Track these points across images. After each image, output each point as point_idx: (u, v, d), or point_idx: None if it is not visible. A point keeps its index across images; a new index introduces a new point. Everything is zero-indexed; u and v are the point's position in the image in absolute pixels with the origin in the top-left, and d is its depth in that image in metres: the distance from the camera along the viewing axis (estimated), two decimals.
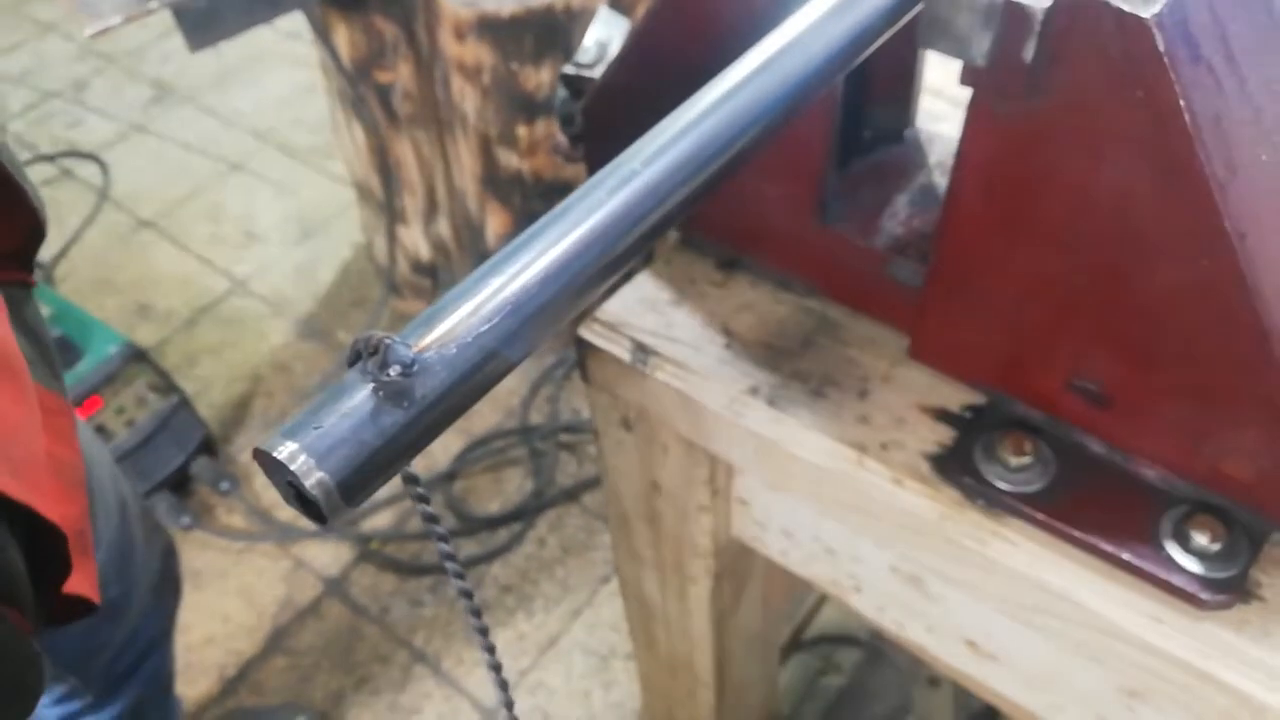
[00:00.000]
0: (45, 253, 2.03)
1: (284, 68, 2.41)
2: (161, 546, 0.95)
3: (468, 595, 0.31)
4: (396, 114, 1.48)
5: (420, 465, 1.66)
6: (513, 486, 1.62)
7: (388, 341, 0.26)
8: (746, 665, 0.89)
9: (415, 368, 0.26)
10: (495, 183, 1.48)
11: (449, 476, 1.64)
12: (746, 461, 0.59)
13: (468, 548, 1.56)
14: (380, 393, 0.25)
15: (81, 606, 0.54)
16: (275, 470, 0.25)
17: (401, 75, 1.42)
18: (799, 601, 1.31)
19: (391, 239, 1.70)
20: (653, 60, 0.54)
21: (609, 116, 0.60)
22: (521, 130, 1.41)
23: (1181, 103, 0.37)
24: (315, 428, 0.25)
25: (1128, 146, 0.39)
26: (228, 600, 1.54)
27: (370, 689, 1.42)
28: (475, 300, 0.27)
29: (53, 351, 0.64)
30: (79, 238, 2.09)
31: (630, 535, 0.76)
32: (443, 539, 0.30)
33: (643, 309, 0.61)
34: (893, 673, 1.35)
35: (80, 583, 0.52)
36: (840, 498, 0.55)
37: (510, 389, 1.73)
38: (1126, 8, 0.37)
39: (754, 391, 0.56)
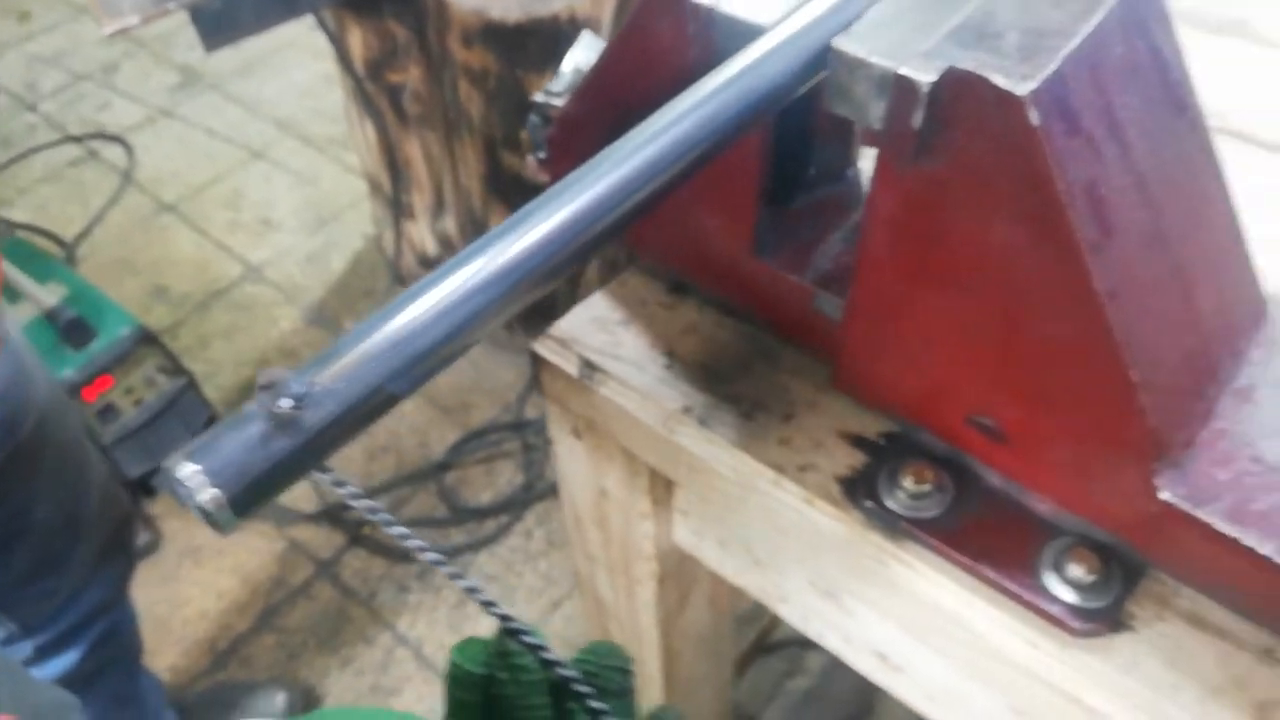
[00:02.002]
0: (68, 231, 2.09)
1: (308, 59, 2.46)
2: (117, 514, 1.00)
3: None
4: (406, 114, 1.53)
5: (417, 455, 1.71)
6: (504, 479, 1.67)
7: (281, 377, 0.30)
8: (696, 665, 0.93)
9: (305, 401, 0.30)
10: (498, 183, 1.53)
11: (443, 467, 1.69)
12: (679, 476, 0.62)
13: (456, 537, 1.61)
14: (272, 422, 0.29)
15: None
16: (178, 485, 0.29)
17: (412, 77, 1.47)
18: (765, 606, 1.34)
19: (398, 233, 1.74)
20: (607, 96, 0.58)
21: (569, 146, 0.63)
22: (524, 134, 1.45)
23: (1054, 173, 0.41)
24: (213, 451, 0.29)
25: (1008, 209, 0.43)
26: (223, 577, 1.60)
27: (354, 669, 1.47)
28: (368, 341, 0.31)
29: None
30: (102, 218, 2.15)
31: (584, 536, 0.80)
32: (357, 498, 0.33)
33: (593, 327, 0.65)
34: (857, 676, 1.38)
35: None
36: (762, 515, 0.58)
37: (508, 384, 1.78)
38: (1004, 85, 0.40)
39: (687, 411, 0.60)
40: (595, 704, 0.32)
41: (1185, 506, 0.45)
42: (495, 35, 1.32)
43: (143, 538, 1.61)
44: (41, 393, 0.87)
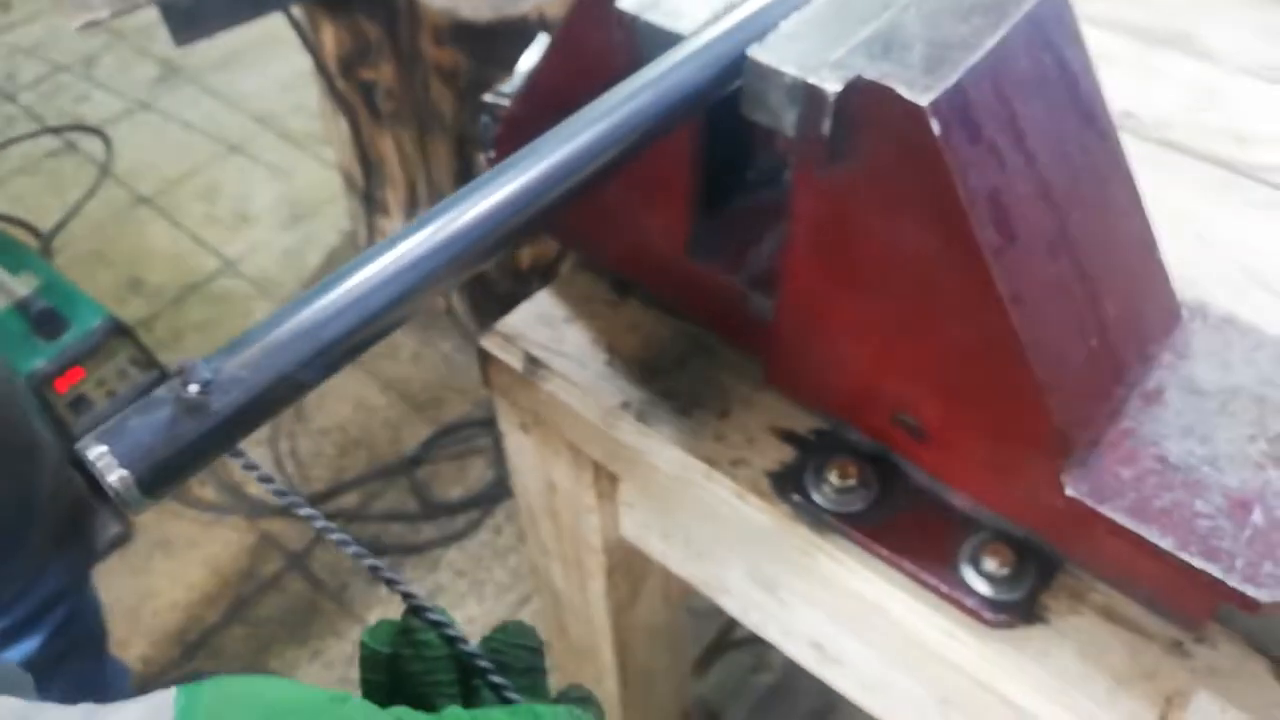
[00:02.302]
0: (45, 222, 2.10)
1: (289, 53, 2.46)
2: (71, 497, 1.01)
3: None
4: (379, 111, 1.54)
5: (389, 450, 1.72)
6: (474, 475, 1.68)
7: (191, 363, 0.31)
8: (652, 658, 0.94)
9: (212, 387, 0.31)
10: (471, 180, 1.54)
11: (414, 462, 1.70)
12: (620, 470, 0.64)
13: (427, 532, 1.62)
14: (180, 406, 0.31)
15: None
16: (89, 467, 0.30)
17: (384, 74, 1.48)
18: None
19: (371, 229, 1.75)
20: (545, 99, 0.60)
21: (514, 146, 0.65)
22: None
23: (955, 180, 0.42)
24: (122, 434, 0.30)
25: (915, 214, 0.45)
26: (194, 569, 1.60)
27: (323, 661, 1.48)
28: (276, 330, 0.33)
29: None
30: (79, 210, 2.15)
31: (537, 529, 0.82)
32: (266, 480, 0.35)
33: (538, 324, 0.66)
34: None
35: None
36: (698, 508, 0.60)
37: (480, 380, 1.78)
38: (907, 95, 0.42)
39: (626, 406, 0.61)
40: (495, 679, 0.34)
41: (1090, 502, 0.47)
42: (466, 34, 1.33)
43: (114, 529, 1.61)
44: None
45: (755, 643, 1.44)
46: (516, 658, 0.36)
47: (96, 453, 0.30)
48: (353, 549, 0.34)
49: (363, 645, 0.36)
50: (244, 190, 2.19)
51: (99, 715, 0.27)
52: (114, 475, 0.30)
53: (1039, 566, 0.52)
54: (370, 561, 0.34)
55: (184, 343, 1.90)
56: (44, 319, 1.56)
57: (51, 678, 1.03)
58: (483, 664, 0.34)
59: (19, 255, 1.73)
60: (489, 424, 1.73)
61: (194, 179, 2.22)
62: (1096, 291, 0.48)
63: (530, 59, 0.72)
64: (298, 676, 1.47)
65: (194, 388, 0.31)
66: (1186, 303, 0.55)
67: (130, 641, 1.49)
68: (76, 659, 1.08)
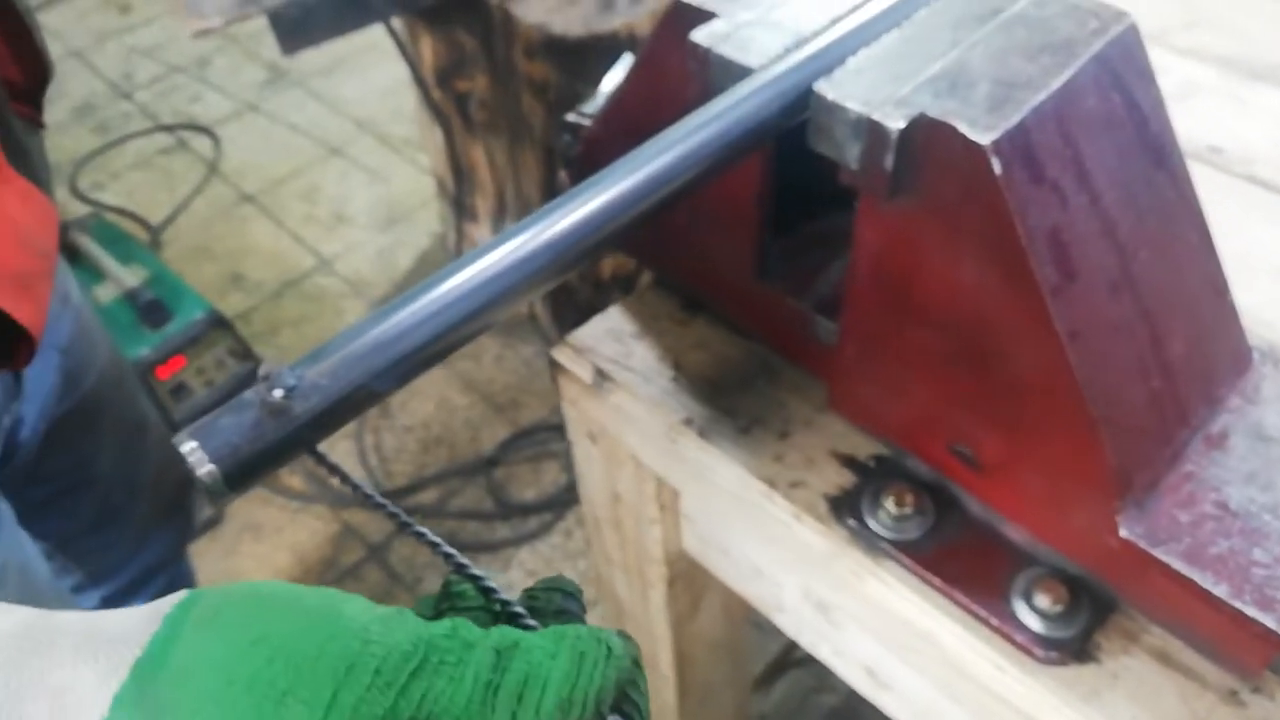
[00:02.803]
0: (155, 216, 2.20)
1: (391, 60, 2.53)
2: (175, 478, 1.07)
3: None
4: (473, 120, 1.58)
5: (469, 449, 1.77)
6: (549, 479, 1.71)
7: (277, 370, 0.34)
8: (711, 670, 0.95)
9: (294, 393, 0.34)
10: (557, 193, 1.57)
11: (492, 462, 1.74)
12: (681, 484, 0.65)
13: (501, 531, 1.66)
14: (264, 409, 0.33)
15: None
16: (183, 459, 0.33)
17: (479, 85, 1.52)
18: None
19: (460, 234, 1.80)
20: (622, 124, 0.62)
21: (592, 166, 0.67)
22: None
23: (1015, 219, 0.43)
24: (212, 431, 0.33)
25: (976, 249, 0.45)
26: (280, 554, 1.67)
27: None
28: (355, 342, 0.35)
29: (49, 187, 0.74)
30: (187, 206, 2.25)
31: (601, 537, 0.84)
32: (345, 480, 0.36)
33: (608, 338, 0.68)
34: None
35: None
36: (755, 526, 0.61)
37: None
38: (969, 134, 0.42)
39: (689, 422, 0.63)
40: (527, 621, 0.34)
41: (1144, 545, 0.47)
42: (557, 49, 1.36)
43: (207, 511, 1.69)
44: (103, 354, 0.94)
45: (818, 663, 1.43)
46: (549, 600, 0.36)
47: (189, 448, 0.32)
48: (403, 518, 0.35)
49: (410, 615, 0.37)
50: (343, 192, 2.27)
51: (109, 615, 0.29)
52: (203, 469, 0.32)
53: (1093, 604, 0.52)
54: (404, 519, 0.35)
55: (279, 336, 1.98)
56: (150, 309, 1.64)
57: None
58: (515, 608, 0.35)
59: (129, 248, 1.82)
60: (564, 429, 1.76)
61: (296, 179, 2.31)
62: (1160, 332, 0.48)
63: (612, 80, 0.75)
64: None
65: (278, 392, 0.33)
66: (1259, 346, 0.54)
67: None
68: None
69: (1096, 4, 0.48)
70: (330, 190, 2.28)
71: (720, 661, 0.97)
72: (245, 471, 0.33)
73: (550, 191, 1.57)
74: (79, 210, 2.23)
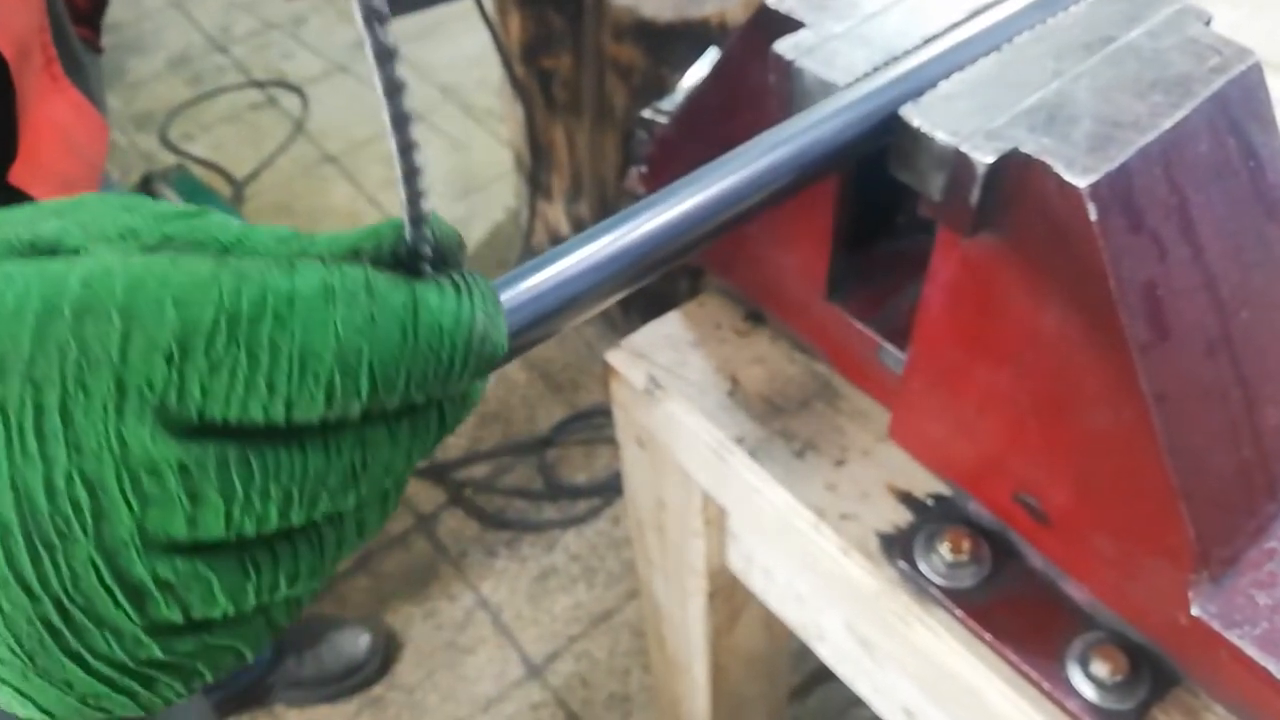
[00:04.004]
0: (240, 171, 2.23)
1: (481, 29, 2.53)
2: None
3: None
4: (555, 99, 1.57)
5: (524, 427, 1.76)
6: (600, 464, 1.70)
7: None
8: (745, 683, 0.93)
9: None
10: (625, 185, 1.55)
11: (546, 442, 1.73)
12: (727, 501, 0.63)
13: (549, 512, 1.66)
14: None
15: None
16: None
17: (563, 65, 1.50)
18: None
19: (533, 212, 1.79)
20: (697, 129, 0.59)
21: (664, 167, 0.65)
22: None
23: (1108, 269, 0.40)
24: None
25: (1062, 297, 0.42)
26: None
27: (435, 623, 1.54)
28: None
29: (104, 107, 0.75)
30: (271, 162, 2.28)
31: (644, 541, 0.82)
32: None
33: (665, 344, 0.66)
34: None
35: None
36: (801, 555, 0.59)
37: None
38: (1066, 175, 0.39)
39: (740, 441, 0.60)
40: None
41: (1216, 625, 0.43)
42: (645, 33, 1.34)
43: None
44: None
45: None
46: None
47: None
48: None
49: None
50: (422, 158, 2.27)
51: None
52: None
53: (1154, 676, 0.49)
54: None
55: None
56: None
57: None
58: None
59: (208, 201, 1.85)
60: None
61: (378, 143, 2.32)
62: (1256, 398, 0.44)
63: (694, 76, 0.72)
64: (410, 633, 1.53)
65: None
66: None
67: None
68: None
69: (1218, 38, 0.44)
70: None
71: (756, 676, 0.95)
72: None
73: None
74: (168, 160, 2.27)
